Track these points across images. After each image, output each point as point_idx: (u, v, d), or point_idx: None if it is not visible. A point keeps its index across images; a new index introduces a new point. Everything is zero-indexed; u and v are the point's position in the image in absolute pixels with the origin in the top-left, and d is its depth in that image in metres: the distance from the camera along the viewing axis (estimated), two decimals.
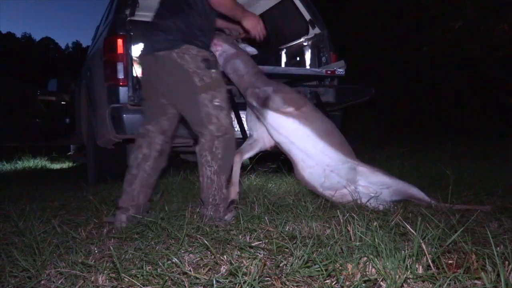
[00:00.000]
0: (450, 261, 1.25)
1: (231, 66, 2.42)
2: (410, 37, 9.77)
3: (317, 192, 2.20)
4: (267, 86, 2.19)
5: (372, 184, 2.18)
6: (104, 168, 3.54)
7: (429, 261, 1.16)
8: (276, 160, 3.74)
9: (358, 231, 1.38)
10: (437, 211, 1.92)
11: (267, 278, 1.14)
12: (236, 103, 2.75)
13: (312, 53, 3.77)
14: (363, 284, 1.10)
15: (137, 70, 3.02)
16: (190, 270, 1.21)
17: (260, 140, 2.29)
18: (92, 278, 1.20)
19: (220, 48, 2.48)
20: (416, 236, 1.22)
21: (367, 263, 1.18)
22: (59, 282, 1.21)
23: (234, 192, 2.07)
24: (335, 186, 2.16)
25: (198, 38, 2.00)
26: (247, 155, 2.27)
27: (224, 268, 1.25)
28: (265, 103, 2.14)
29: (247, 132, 2.52)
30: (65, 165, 7.03)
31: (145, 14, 4.17)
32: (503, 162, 3.83)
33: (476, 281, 1.11)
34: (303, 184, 2.24)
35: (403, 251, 1.19)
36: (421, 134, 8.22)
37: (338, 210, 1.68)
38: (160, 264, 1.25)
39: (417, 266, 1.16)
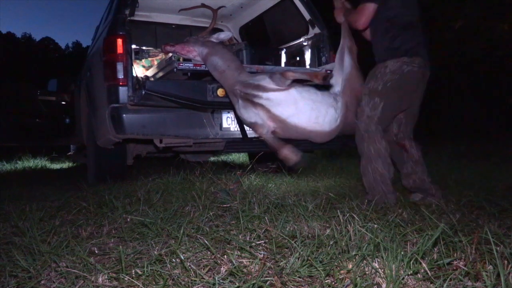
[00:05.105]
0: (450, 261, 1.24)
1: (210, 65, 2.46)
2: None
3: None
4: (253, 77, 2.31)
5: None
6: (104, 168, 3.53)
7: (429, 261, 1.16)
8: (276, 160, 3.74)
9: (358, 231, 1.38)
10: (437, 211, 1.91)
11: (267, 278, 1.14)
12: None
13: (312, 53, 3.77)
14: (363, 284, 1.10)
15: (136, 70, 3.02)
16: (190, 270, 1.21)
17: (266, 124, 2.31)
18: (92, 278, 1.20)
19: (195, 53, 2.53)
20: (416, 236, 1.23)
21: (367, 263, 1.18)
22: (59, 282, 1.21)
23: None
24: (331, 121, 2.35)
25: None
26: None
27: (224, 268, 1.25)
28: (264, 88, 2.25)
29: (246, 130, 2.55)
30: (65, 165, 7.03)
31: (145, 14, 4.17)
32: (503, 162, 3.83)
33: (476, 281, 1.11)
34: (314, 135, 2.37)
35: (403, 251, 1.19)
36: (421, 134, 8.21)
37: (338, 210, 1.68)
38: (160, 264, 1.25)
39: (417, 266, 1.16)
